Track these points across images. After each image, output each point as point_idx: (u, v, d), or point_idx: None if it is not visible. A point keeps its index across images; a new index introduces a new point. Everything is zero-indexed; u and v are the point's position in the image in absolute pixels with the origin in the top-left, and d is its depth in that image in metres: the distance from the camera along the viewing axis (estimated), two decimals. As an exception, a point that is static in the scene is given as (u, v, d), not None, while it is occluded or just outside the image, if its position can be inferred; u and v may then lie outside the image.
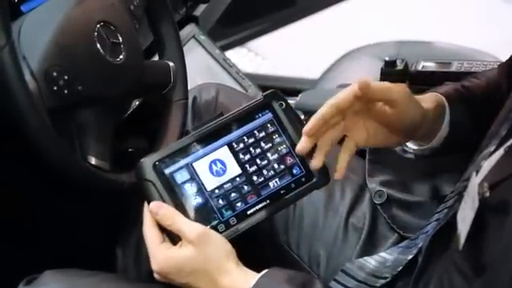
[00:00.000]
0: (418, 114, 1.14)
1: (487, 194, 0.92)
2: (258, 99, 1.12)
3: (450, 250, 1.01)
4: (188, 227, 1.03)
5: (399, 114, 1.11)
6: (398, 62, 1.54)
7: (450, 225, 1.03)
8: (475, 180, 0.97)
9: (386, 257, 1.20)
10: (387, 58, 1.54)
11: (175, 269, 1.03)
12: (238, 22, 2.48)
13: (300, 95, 1.66)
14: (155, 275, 1.06)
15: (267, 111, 1.11)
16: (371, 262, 1.20)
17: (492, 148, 1.01)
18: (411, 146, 1.26)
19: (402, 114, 1.11)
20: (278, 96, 1.13)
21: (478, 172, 0.98)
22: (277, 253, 1.36)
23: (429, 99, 1.19)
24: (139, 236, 1.30)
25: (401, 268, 1.14)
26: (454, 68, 1.49)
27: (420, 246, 1.13)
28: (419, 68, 1.53)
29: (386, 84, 1.11)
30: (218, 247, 1.04)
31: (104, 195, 1.24)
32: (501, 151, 0.97)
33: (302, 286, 1.01)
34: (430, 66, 1.52)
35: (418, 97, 1.17)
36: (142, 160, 1.06)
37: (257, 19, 2.54)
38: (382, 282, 1.15)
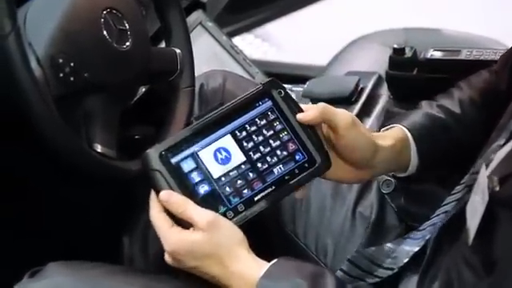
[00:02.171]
0: (365, 145, 1.15)
1: (497, 189, 0.92)
2: (258, 87, 1.13)
3: (459, 243, 1.00)
4: (198, 214, 1.03)
5: (342, 140, 1.13)
6: (407, 50, 1.52)
7: (459, 217, 1.02)
8: (485, 173, 0.96)
9: (392, 247, 1.19)
10: (396, 46, 1.53)
11: (187, 251, 1.03)
12: (245, 9, 2.47)
13: (308, 83, 1.65)
14: (166, 257, 1.05)
15: (267, 99, 1.13)
16: (377, 252, 1.20)
17: (502, 141, 1.00)
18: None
19: (344, 140, 1.13)
20: (277, 84, 1.14)
21: (487, 165, 0.98)
22: (284, 241, 1.35)
23: (388, 136, 1.20)
24: (146, 223, 1.30)
25: (407, 259, 1.14)
26: (463, 56, 1.48)
27: (428, 237, 1.12)
28: (428, 56, 1.51)
29: (331, 107, 1.13)
30: (229, 233, 1.04)
31: (110, 183, 1.23)
32: (511, 144, 0.96)
33: (311, 276, 1.01)
34: (439, 54, 1.51)
35: (376, 134, 1.20)
36: (147, 151, 1.07)
37: (264, 5, 2.54)
38: (389, 273, 1.15)
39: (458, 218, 1.03)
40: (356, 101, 1.57)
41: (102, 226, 1.45)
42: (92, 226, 1.47)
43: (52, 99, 1.08)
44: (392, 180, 1.31)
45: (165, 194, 1.04)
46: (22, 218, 1.44)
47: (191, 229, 1.03)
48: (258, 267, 1.02)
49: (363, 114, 1.55)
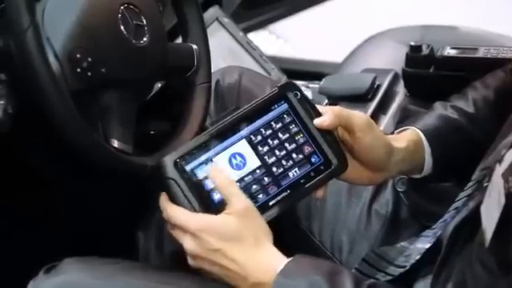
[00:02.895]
0: (381, 147, 1.15)
1: None
2: (273, 91, 1.13)
3: (474, 243, 0.99)
4: (238, 196, 1.05)
5: (358, 142, 1.13)
6: (424, 47, 1.52)
7: (473, 217, 1.01)
8: (499, 171, 0.96)
9: (405, 246, 1.19)
10: (412, 43, 1.53)
11: (215, 230, 1.03)
12: (260, 5, 2.46)
13: (323, 79, 1.65)
14: (187, 241, 1.04)
15: (283, 102, 1.12)
16: (391, 250, 1.19)
17: None
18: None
19: (360, 142, 1.13)
20: (293, 86, 1.14)
21: (500, 162, 0.97)
22: (299, 238, 1.35)
23: (401, 138, 1.20)
24: (161, 218, 1.31)
25: (418, 257, 1.13)
26: (480, 54, 1.48)
27: (438, 234, 1.12)
28: (445, 53, 1.51)
29: (346, 110, 1.13)
30: (258, 224, 1.05)
31: (126, 178, 1.24)
32: None
33: (328, 274, 1.01)
34: (456, 51, 1.50)
35: (390, 136, 1.19)
36: (162, 159, 1.07)
37: (279, 1, 2.53)
38: (401, 270, 1.14)
39: (471, 218, 1.03)
40: (372, 98, 1.56)
41: (118, 221, 1.45)
42: (107, 221, 1.48)
43: (69, 94, 1.09)
44: (407, 178, 1.30)
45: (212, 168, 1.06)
46: (37, 212, 1.44)
47: (223, 212, 1.04)
48: (279, 259, 1.03)
49: (379, 111, 1.54)
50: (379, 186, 1.33)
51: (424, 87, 1.52)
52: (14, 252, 1.43)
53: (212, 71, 1.37)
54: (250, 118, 1.11)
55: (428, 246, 1.13)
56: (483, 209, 0.98)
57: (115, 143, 1.17)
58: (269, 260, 1.03)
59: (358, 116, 1.13)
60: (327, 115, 1.11)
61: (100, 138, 1.15)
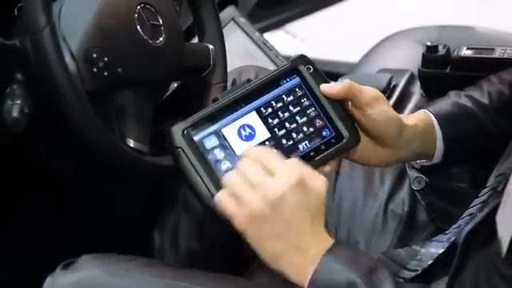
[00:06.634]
0: (391, 120, 1.13)
1: None
2: (285, 64, 1.12)
3: (489, 252, 0.99)
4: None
5: (365, 115, 1.11)
6: (440, 48, 1.52)
7: (488, 223, 1.01)
8: None
9: (418, 249, 1.18)
10: (429, 43, 1.52)
11: (300, 195, 0.98)
12: (277, 4, 2.46)
13: (339, 79, 1.64)
14: (258, 202, 0.97)
15: (295, 75, 1.11)
16: (402, 253, 1.19)
17: None
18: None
19: (368, 116, 1.11)
20: (306, 60, 1.12)
21: None
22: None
23: (411, 116, 1.19)
24: (176, 217, 1.31)
25: (431, 262, 1.13)
26: (497, 54, 1.47)
27: (452, 240, 1.11)
28: (461, 54, 1.50)
29: (357, 85, 1.11)
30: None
31: (142, 178, 1.24)
32: None
33: (368, 271, 0.98)
34: (473, 52, 1.50)
35: (401, 115, 1.17)
36: (171, 128, 1.06)
37: (295, 1, 2.53)
38: (412, 274, 1.13)
39: (486, 224, 1.02)
40: (388, 98, 1.56)
41: (134, 220, 1.46)
42: (123, 220, 1.48)
43: (85, 94, 1.09)
44: (423, 177, 1.30)
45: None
46: (54, 211, 1.45)
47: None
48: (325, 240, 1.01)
49: (395, 111, 1.54)
50: (395, 186, 1.33)
51: (440, 87, 1.51)
52: (32, 248, 1.44)
53: (228, 71, 1.37)
54: (260, 90, 1.09)
55: (441, 251, 1.12)
56: (499, 218, 0.97)
57: (131, 143, 1.17)
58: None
59: (367, 90, 1.11)
60: (336, 84, 1.10)
61: (116, 138, 1.15)
